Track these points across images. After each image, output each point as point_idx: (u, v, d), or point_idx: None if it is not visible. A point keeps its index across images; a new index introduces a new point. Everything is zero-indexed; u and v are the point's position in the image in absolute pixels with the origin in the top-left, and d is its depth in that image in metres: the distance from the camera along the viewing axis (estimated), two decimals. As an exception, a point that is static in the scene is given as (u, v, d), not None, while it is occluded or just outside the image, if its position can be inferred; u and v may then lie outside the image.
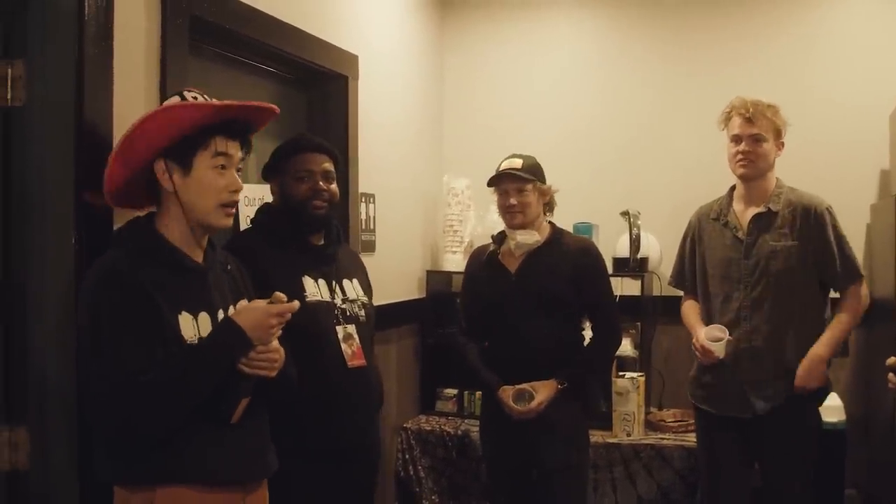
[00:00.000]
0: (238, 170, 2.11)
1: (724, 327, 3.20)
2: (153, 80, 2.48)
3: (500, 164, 3.30)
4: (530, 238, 3.25)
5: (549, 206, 3.35)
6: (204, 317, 2.04)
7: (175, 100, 2.04)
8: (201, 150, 2.03)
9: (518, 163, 3.25)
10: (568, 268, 3.25)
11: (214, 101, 2.07)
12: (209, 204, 2.05)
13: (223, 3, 2.78)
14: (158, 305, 1.94)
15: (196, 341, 1.99)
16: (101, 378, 1.89)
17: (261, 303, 2.06)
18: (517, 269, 3.28)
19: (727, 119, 3.26)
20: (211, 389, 1.96)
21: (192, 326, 2.01)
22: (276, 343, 2.09)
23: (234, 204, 2.11)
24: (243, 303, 2.14)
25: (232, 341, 1.99)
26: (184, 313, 2.00)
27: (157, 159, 2.03)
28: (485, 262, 3.37)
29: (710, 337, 3.20)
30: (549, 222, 3.37)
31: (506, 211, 3.27)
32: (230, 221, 2.14)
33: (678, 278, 3.51)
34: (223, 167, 2.06)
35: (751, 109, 3.18)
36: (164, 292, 1.97)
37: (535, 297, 3.22)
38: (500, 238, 3.37)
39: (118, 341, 1.88)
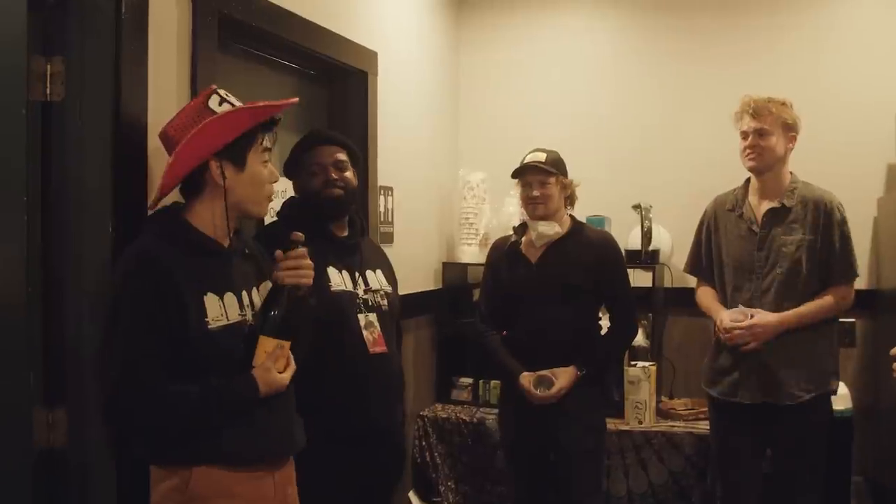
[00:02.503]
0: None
1: (746, 309, 3.25)
2: (185, 76, 2.56)
3: (524, 157, 3.39)
4: (551, 229, 3.34)
5: (570, 200, 3.44)
6: (230, 297, 2.13)
7: (215, 100, 2.13)
8: (253, 148, 2.16)
9: (542, 156, 3.34)
10: (587, 259, 3.34)
11: (262, 102, 2.18)
12: (261, 196, 2.21)
13: (250, 1, 2.86)
14: (182, 293, 2.02)
15: (220, 321, 2.08)
16: (117, 373, 2.00)
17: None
18: (538, 260, 3.38)
19: (739, 117, 3.34)
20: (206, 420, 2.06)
21: (219, 307, 2.10)
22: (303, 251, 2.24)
23: (273, 193, 2.25)
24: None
25: (244, 396, 2.09)
26: (210, 294, 2.09)
27: (211, 158, 2.12)
28: (506, 252, 3.46)
29: (734, 319, 3.25)
30: (570, 215, 3.46)
31: (528, 202, 3.37)
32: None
33: (694, 266, 3.56)
34: (266, 161, 2.20)
35: (753, 106, 3.28)
36: (191, 275, 2.06)
37: (554, 286, 3.32)
38: (521, 229, 3.46)
39: (135, 340, 1.98)
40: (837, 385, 3.36)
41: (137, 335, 1.98)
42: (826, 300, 3.26)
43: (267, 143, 2.20)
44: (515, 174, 3.39)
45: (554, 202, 3.35)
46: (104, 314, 2.10)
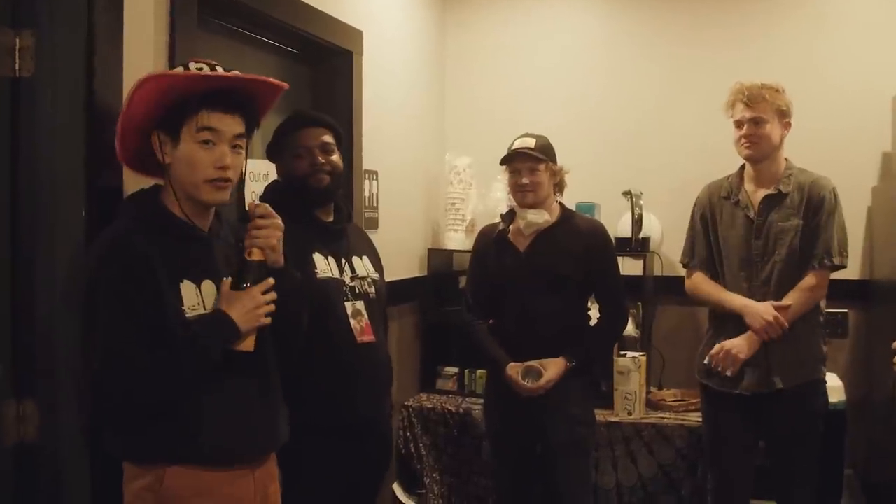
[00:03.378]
0: (235, 146, 2.03)
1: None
2: (162, 53, 2.44)
3: (512, 143, 3.30)
4: (540, 217, 3.26)
5: (559, 187, 3.35)
6: (208, 284, 2.02)
7: (178, 70, 2.00)
8: (186, 123, 1.98)
9: (531, 142, 3.25)
10: (577, 248, 3.26)
11: (202, 72, 1.99)
12: (195, 179, 2.00)
13: (232, -25, 2.76)
14: (158, 279, 1.92)
15: (197, 310, 1.97)
16: (98, 356, 1.89)
17: (249, 292, 2.01)
18: (526, 248, 3.29)
19: (731, 106, 3.27)
20: (199, 373, 1.95)
21: (196, 295, 1.99)
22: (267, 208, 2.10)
23: (225, 180, 2.03)
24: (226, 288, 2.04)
25: (223, 332, 1.96)
26: (186, 282, 1.98)
27: (153, 131, 2.00)
28: (494, 240, 3.37)
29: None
30: (559, 203, 3.37)
31: (517, 190, 3.28)
32: (224, 196, 2.06)
33: (691, 254, 3.45)
34: (209, 142, 1.99)
35: (746, 93, 3.21)
36: (167, 261, 1.95)
37: (544, 276, 3.24)
38: (509, 217, 3.37)
39: (114, 321, 1.88)
40: (824, 371, 3.30)
41: (117, 318, 1.88)
42: (797, 296, 3.18)
43: (206, 122, 1.98)
44: (504, 161, 3.30)
45: (543, 189, 3.27)
46: (77, 300, 1.99)
